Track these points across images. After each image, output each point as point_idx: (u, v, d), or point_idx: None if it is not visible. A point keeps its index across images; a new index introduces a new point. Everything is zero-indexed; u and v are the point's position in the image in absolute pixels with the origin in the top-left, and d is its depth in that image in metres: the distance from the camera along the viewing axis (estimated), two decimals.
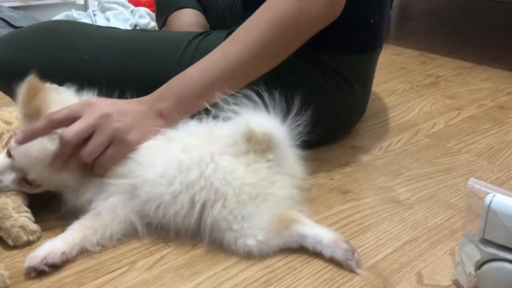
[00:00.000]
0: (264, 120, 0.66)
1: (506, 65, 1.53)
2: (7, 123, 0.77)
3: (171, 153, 0.67)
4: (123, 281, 0.62)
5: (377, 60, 1.00)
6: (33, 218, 0.69)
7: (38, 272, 0.62)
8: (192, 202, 0.64)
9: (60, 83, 0.80)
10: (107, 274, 0.63)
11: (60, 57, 0.87)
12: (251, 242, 0.64)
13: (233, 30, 0.94)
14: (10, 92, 0.93)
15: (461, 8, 2.55)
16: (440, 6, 2.61)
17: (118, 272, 0.63)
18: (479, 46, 1.80)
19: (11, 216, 0.66)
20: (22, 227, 0.66)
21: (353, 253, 0.63)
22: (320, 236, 0.64)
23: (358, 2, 0.77)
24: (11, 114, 0.78)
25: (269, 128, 0.65)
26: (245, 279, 0.62)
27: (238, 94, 0.69)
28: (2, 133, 0.75)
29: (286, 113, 0.70)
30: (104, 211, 0.68)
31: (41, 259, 0.62)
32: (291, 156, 0.71)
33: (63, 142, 0.65)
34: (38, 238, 0.68)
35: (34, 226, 0.68)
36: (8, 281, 0.59)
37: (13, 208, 0.67)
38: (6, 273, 0.58)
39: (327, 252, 0.64)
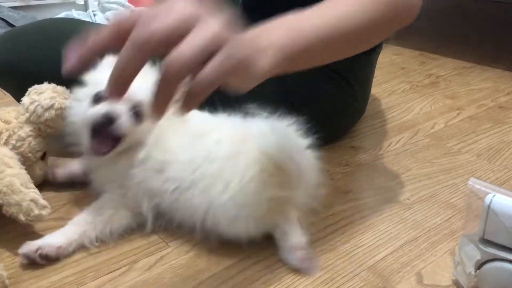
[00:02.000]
0: (286, 147, 0.60)
1: (506, 65, 1.53)
2: (6, 122, 0.77)
3: (206, 141, 0.67)
4: (123, 281, 0.62)
5: (376, 60, 1.00)
6: (40, 195, 0.68)
7: (30, 261, 0.63)
8: (203, 194, 0.64)
9: (61, 81, 0.80)
10: (107, 274, 0.63)
11: (61, 55, 0.87)
12: (242, 228, 0.64)
13: None
14: (11, 90, 0.93)
15: (461, 8, 2.55)
16: (440, 6, 2.61)
17: (118, 272, 0.63)
18: (479, 46, 1.80)
19: (21, 191, 0.66)
20: (32, 200, 0.66)
21: (308, 259, 0.63)
22: (287, 237, 0.65)
23: None
24: (10, 114, 0.78)
25: (291, 157, 0.60)
26: (245, 279, 0.62)
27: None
28: (1, 132, 0.75)
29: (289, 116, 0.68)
30: (106, 206, 0.69)
31: (36, 248, 0.63)
32: (309, 169, 0.68)
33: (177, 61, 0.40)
34: (49, 214, 0.67)
35: (44, 202, 0.67)
36: (7, 281, 0.59)
37: (21, 185, 0.66)
38: (5, 274, 0.58)
39: (283, 254, 0.65)
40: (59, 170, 0.83)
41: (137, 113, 0.67)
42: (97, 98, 0.67)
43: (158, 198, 0.68)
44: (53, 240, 0.65)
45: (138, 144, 0.69)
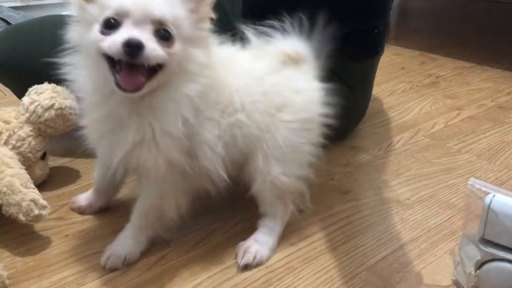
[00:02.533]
0: (295, 44, 0.70)
1: (506, 65, 1.53)
2: (6, 122, 0.77)
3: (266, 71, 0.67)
4: (123, 281, 0.62)
5: (378, 63, 1.00)
6: (40, 195, 0.68)
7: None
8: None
9: (61, 76, 0.80)
10: (107, 274, 0.63)
11: (62, 52, 0.87)
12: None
13: (236, 33, 0.93)
14: (12, 86, 0.93)
15: (461, 8, 2.55)
16: (440, 6, 2.61)
17: (118, 272, 0.63)
18: (479, 46, 1.80)
19: (20, 191, 0.66)
20: (32, 200, 0.66)
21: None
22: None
23: (368, 14, 0.77)
24: (10, 114, 0.78)
25: (299, 48, 0.70)
26: (245, 279, 0.62)
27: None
28: (1, 132, 0.75)
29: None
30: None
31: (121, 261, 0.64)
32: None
33: None
34: (49, 214, 0.67)
35: (44, 202, 0.67)
36: (7, 281, 0.59)
37: (21, 185, 0.67)
38: (5, 274, 0.58)
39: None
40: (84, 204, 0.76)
41: (164, 36, 0.52)
42: (109, 25, 0.52)
43: (230, 147, 0.62)
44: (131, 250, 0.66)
45: (183, 78, 0.55)
